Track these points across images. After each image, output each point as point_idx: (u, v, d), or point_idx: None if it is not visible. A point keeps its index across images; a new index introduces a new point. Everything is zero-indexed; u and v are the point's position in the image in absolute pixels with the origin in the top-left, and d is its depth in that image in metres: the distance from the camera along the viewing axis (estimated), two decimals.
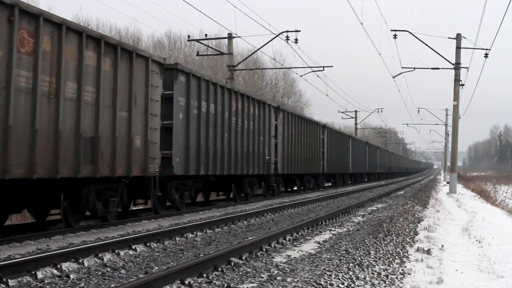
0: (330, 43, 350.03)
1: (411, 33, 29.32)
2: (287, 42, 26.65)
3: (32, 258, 7.33)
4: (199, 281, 6.73)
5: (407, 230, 12.49)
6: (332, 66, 32.08)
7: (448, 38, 30.60)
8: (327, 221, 14.14)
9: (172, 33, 46.16)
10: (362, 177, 50.59)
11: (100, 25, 40.23)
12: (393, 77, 34.89)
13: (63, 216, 11.47)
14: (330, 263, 8.13)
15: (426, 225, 13.68)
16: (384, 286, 6.90)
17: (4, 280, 6.44)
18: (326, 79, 47.11)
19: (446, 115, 62.02)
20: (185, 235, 10.85)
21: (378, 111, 63.48)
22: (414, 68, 34.00)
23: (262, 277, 7.14)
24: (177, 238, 10.47)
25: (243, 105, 19.76)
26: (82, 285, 6.60)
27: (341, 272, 7.41)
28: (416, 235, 11.93)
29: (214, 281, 6.76)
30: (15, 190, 10.31)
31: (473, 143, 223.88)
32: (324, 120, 53.96)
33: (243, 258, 8.25)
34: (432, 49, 29.36)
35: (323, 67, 31.70)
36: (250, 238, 10.63)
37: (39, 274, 6.98)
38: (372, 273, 7.56)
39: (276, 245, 9.84)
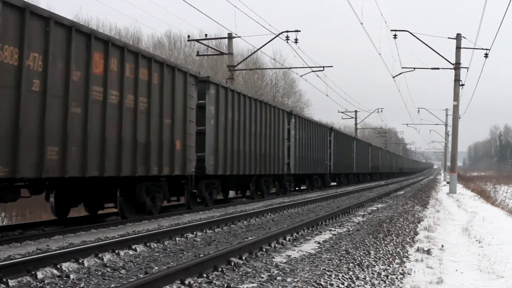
0: (330, 43, 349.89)
1: (411, 33, 29.33)
2: (287, 42, 26.69)
3: (32, 258, 7.33)
4: (199, 281, 6.73)
5: (407, 230, 12.49)
6: (332, 66, 32.10)
7: (448, 38, 30.62)
8: (327, 221, 14.14)
9: (172, 33, 46.24)
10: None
11: (100, 25, 40.24)
12: (393, 77, 34.92)
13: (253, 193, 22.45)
14: (330, 263, 8.14)
15: (426, 225, 13.68)
16: (384, 286, 6.90)
17: (4, 280, 6.44)
18: (326, 79, 47.12)
19: (446, 115, 62.09)
20: (185, 235, 10.86)
21: (378, 111, 63.55)
22: (414, 68, 34.03)
23: (262, 277, 7.14)
24: (177, 238, 10.47)
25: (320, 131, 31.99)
26: (82, 285, 6.60)
27: (341, 272, 7.42)
28: (416, 235, 11.93)
29: (214, 281, 6.76)
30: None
31: (473, 143, 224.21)
32: (324, 120, 53.66)
33: (243, 258, 8.25)
34: (432, 49, 29.39)
35: (323, 67, 31.72)
36: (250, 238, 10.64)
37: (39, 274, 6.98)
38: (372, 273, 7.56)
39: (276, 245, 9.84)
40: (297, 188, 31.11)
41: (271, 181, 24.44)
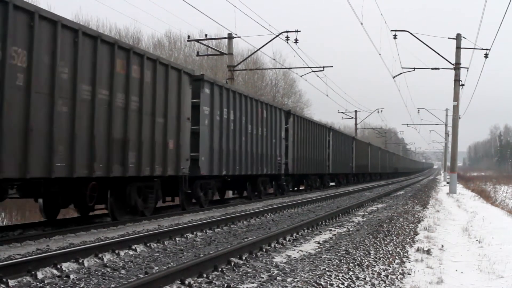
0: (330, 43, 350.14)
1: (411, 33, 29.34)
2: (287, 42, 26.67)
3: (32, 258, 7.33)
4: (199, 281, 6.73)
5: (407, 230, 12.50)
6: (332, 66, 32.10)
7: (448, 38, 30.64)
8: (327, 221, 14.14)
9: (172, 33, 46.18)
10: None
11: (100, 25, 40.21)
12: (393, 77, 34.93)
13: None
14: (330, 263, 8.14)
15: (426, 225, 13.68)
16: (384, 286, 6.90)
17: (4, 280, 6.44)
18: (326, 79, 46.99)
19: (446, 115, 62.12)
20: (185, 235, 10.86)
21: (378, 111, 63.55)
22: (414, 68, 34.05)
23: (262, 277, 7.14)
24: (177, 238, 10.47)
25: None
26: (82, 285, 6.60)
27: (341, 272, 7.42)
28: (416, 235, 11.93)
29: (214, 281, 6.76)
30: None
31: (473, 143, 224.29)
32: (324, 120, 53.34)
33: (243, 258, 8.25)
34: (432, 49, 29.39)
35: (323, 67, 31.72)
36: (250, 238, 10.64)
37: (39, 274, 6.98)
38: (372, 273, 7.56)
39: (276, 245, 9.84)
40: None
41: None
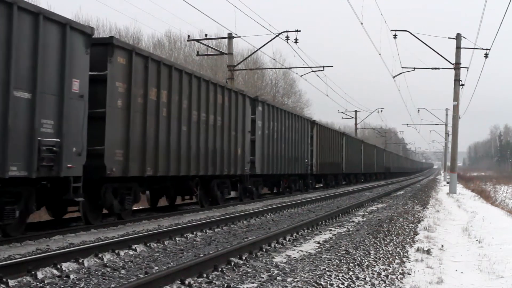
0: (330, 43, 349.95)
1: (411, 33, 29.34)
2: (287, 42, 26.68)
3: (32, 258, 7.34)
4: (199, 281, 6.74)
5: (407, 230, 12.50)
6: (332, 66, 32.04)
7: (448, 38, 30.64)
8: (327, 221, 14.14)
9: (172, 33, 46.17)
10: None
11: (100, 25, 40.18)
12: (393, 77, 34.93)
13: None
14: (330, 263, 8.14)
15: (426, 225, 13.68)
16: (384, 286, 6.90)
17: (4, 280, 6.44)
18: (326, 79, 46.78)
19: (446, 115, 62.08)
20: (185, 235, 10.86)
21: (378, 111, 63.51)
22: (414, 68, 34.04)
23: (262, 277, 7.14)
24: (177, 238, 10.47)
25: None
26: (82, 285, 6.60)
27: (341, 272, 7.42)
28: (416, 235, 11.93)
29: (214, 281, 6.76)
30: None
31: (473, 143, 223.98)
32: (324, 120, 53.17)
33: (243, 258, 8.25)
34: (432, 49, 29.39)
35: (323, 67, 31.71)
36: (250, 238, 10.64)
37: (39, 274, 6.98)
38: (372, 273, 7.56)
39: (276, 245, 9.84)
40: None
41: None
